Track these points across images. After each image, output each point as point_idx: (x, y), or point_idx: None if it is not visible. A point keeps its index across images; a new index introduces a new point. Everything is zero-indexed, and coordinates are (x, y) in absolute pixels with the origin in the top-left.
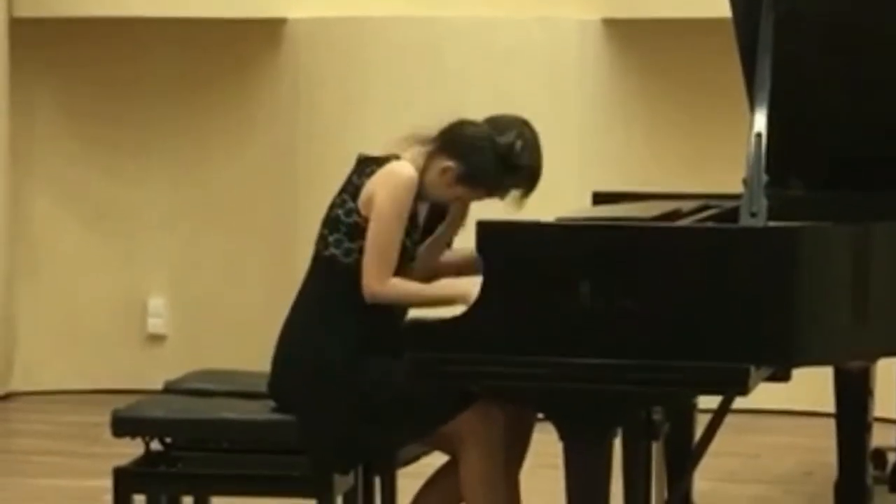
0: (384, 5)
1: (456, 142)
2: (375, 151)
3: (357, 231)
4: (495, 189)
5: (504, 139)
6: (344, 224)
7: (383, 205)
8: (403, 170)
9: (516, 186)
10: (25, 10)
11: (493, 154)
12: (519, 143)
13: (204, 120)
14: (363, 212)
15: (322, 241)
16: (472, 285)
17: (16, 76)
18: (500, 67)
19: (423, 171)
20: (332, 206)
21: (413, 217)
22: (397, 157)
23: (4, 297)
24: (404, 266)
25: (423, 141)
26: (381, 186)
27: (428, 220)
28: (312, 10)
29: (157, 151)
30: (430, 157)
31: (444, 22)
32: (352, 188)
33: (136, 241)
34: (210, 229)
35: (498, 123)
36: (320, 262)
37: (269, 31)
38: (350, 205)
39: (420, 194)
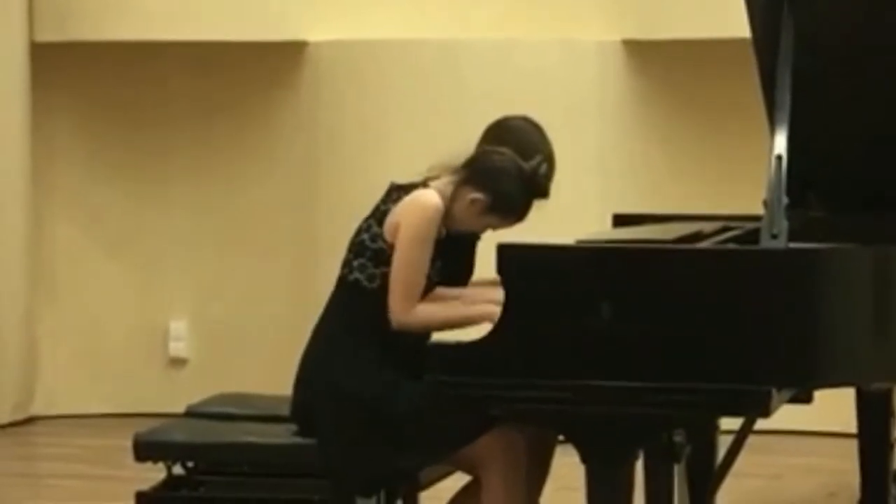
0: (404, 28)
1: (483, 172)
2: (405, 179)
3: (381, 256)
4: (525, 214)
5: (529, 164)
6: (369, 249)
7: (407, 233)
8: (428, 198)
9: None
10: (46, 35)
11: (519, 182)
12: (544, 167)
13: (225, 142)
14: (387, 238)
15: (347, 266)
16: (496, 304)
17: (37, 100)
18: (520, 89)
19: (451, 201)
20: (359, 231)
21: (437, 244)
22: (425, 185)
23: (26, 321)
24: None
25: (453, 170)
26: (406, 215)
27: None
28: (333, 32)
29: (178, 175)
30: (457, 188)
31: (464, 44)
32: (378, 214)
33: (158, 265)
34: (231, 252)
35: (521, 145)
36: (344, 287)
37: (289, 53)
38: (375, 230)
39: (448, 224)
